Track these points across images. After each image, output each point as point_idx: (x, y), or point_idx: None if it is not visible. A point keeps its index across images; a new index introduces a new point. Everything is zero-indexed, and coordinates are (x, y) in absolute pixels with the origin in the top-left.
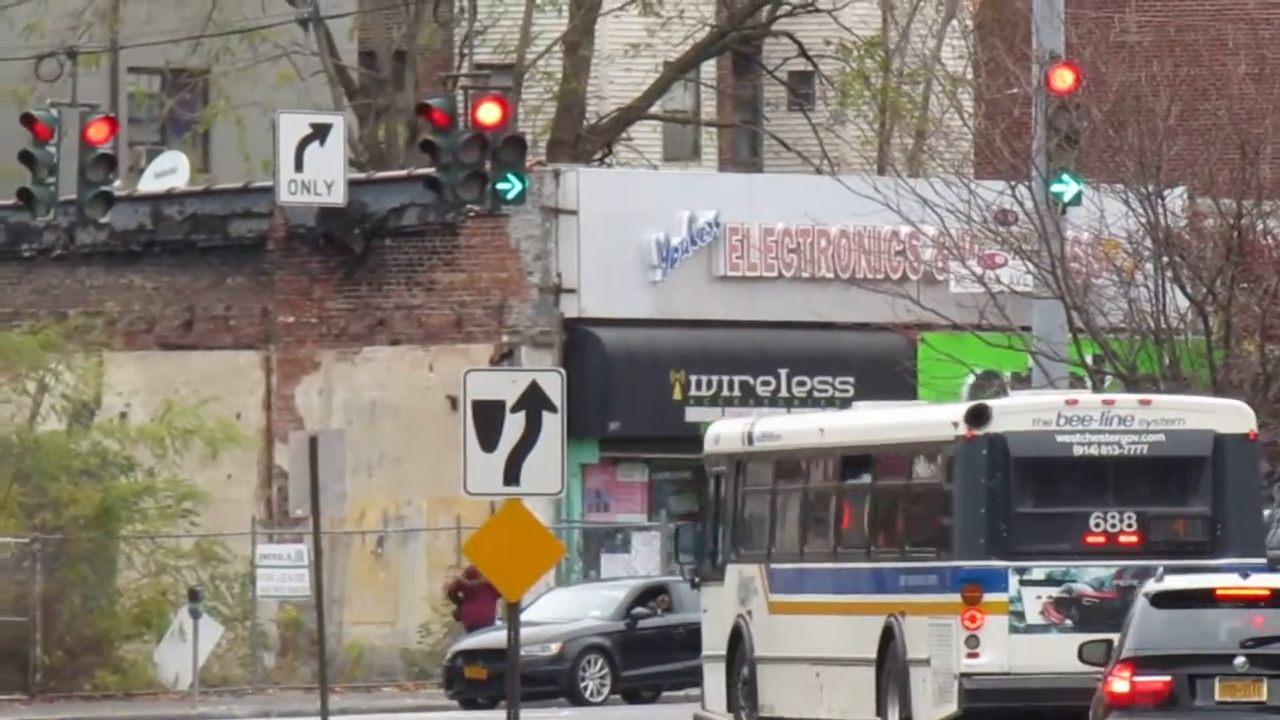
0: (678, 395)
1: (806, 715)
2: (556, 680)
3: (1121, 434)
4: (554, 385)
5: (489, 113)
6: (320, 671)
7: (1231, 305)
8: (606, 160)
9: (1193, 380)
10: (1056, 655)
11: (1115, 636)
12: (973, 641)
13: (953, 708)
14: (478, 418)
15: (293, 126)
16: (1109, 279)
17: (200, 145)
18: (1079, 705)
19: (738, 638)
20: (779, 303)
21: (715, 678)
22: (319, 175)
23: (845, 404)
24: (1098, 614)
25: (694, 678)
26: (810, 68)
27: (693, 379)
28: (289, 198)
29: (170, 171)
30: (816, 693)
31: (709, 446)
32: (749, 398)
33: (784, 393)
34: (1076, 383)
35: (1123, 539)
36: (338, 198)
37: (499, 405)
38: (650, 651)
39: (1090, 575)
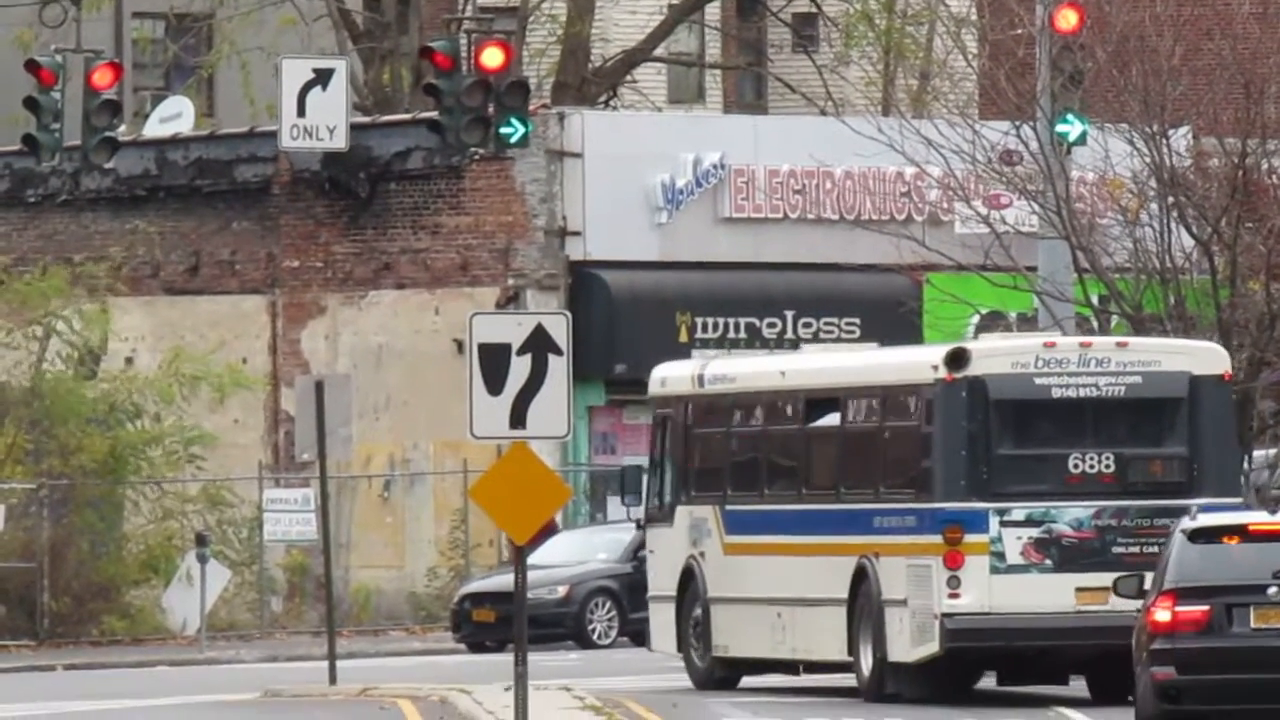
0: (684, 337)
1: (765, 655)
2: (564, 623)
3: (1099, 376)
4: (560, 328)
5: (492, 57)
6: (328, 615)
7: (1237, 244)
8: (611, 103)
9: (1198, 319)
10: (1036, 595)
11: (1147, 573)
12: (954, 582)
13: (934, 647)
14: (483, 361)
15: (295, 71)
16: (1114, 219)
17: (205, 90)
18: (1058, 644)
19: (689, 578)
20: (784, 244)
21: (664, 617)
22: (321, 120)
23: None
24: (1077, 554)
25: None
26: (814, 9)
27: (699, 321)
28: (291, 143)
29: (175, 116)
30: (779, 633)
31: (654, 389)
32: (755, 339)
33: (790, 334)
34: (1083, 323)
35: (1101, 480)
36: (340, 143)
37: (505, 348)
38: None
39: (1069, 516)
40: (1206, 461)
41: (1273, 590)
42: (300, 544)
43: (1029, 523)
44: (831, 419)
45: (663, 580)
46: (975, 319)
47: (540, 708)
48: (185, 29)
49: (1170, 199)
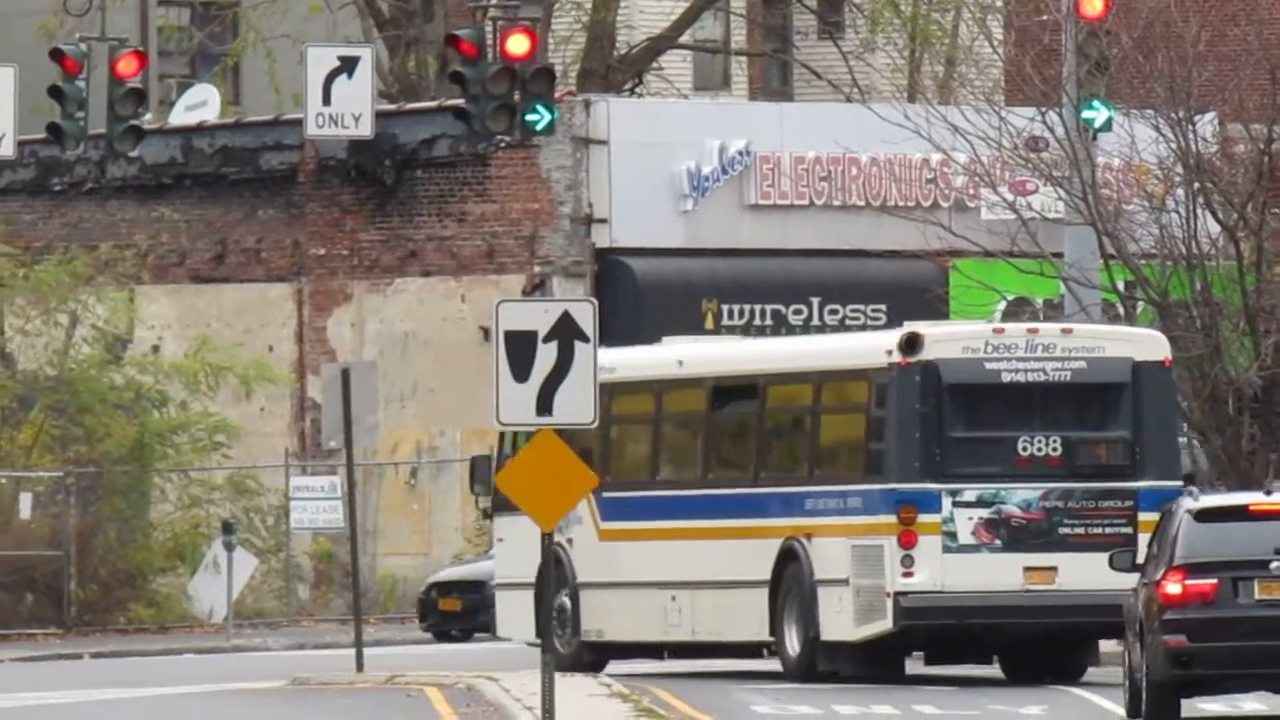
0: (710, 324)
1: (655, 638)
2: None
3: (1046, 361)
4: (586, 315)
5: (518, 44)
6: (354, 603)
7: (1263, 230)
8: (637, 90)
9: (1224, 305)
10: (987, 574)
11: (1134, 548)
12: (908, 561)
13: (887, 624)
14: (510, 348)
15: (321, 59)
16: (1140, 205)
17: (230, 78)
18: (1009, 622)
19: (554, 565)
20: (810, 231)
21: (516, 605)
22: (347, 108)
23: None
24: (1025, 534)
25: None
26: None
27: (725, 308)
28: (317, 131)
29: (201, 104)
30: (674, 616)
31: None
32: (781, 326)
33: (816, 321)
34: (1109, 309)
35: (1049, 462)
36: (365, 130)
37: (531, 336)
38: None
39: (1018, 497)
40: (1149, 445)
41: (1275, 565)
42: (327, 532)
43: (980, 503)
44: (744, 406)
45: (518, 568)
46: (1001, 305)
47: (567, 693)
48: (210, 16)
49: (1196, 185)
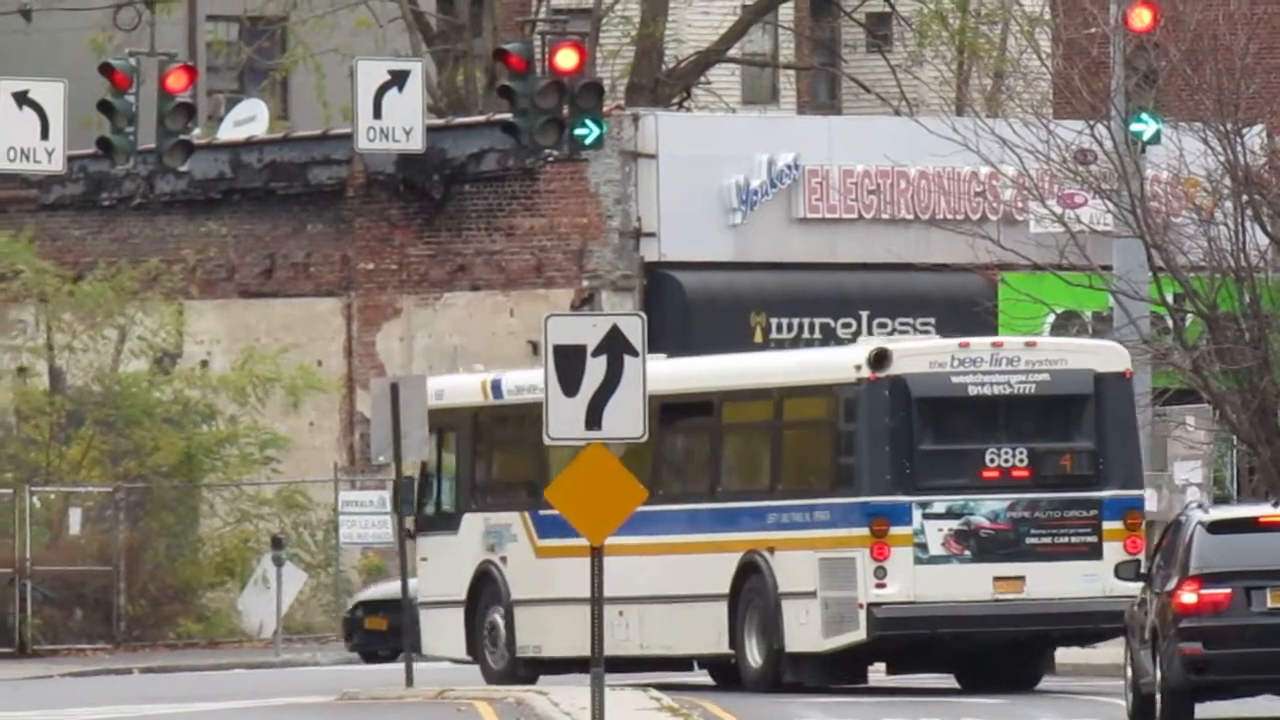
0: (759, 338)
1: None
2: None
3: (1010, 374)
4: (635, 329)
5: (566, 58)
6: (404, 617)
7: None
8: (685, 104)
9: (1273, 317)
10: (958, 585)
11: (1139, 557)
12: (880, 572)
13: (859, 635)
14: (559, 363)
15: (371, 73)
16: (1189, 217)
17: (279, 93)
18: (979, 632)
19: (485, 583)
20: (859, 244)
21: (445, 623)
22: (397, 122)
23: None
24: (994, 544)
25: None
26: (888, 9)
27: (773, 322)
28: (367, 145)
29: (249, 119)
30: (621, 630)
31: (430, 402)
32: (829, 340)
33: (864, 334)
34: (1158, 321)
35: (1015, 473)
36: (416, 144)
37: (580, 350)
38: None
39: (987, 508)
40: (1112, 455)
41: None
42: (376, 546)
43: (949, 515)
44: (701, 422)
45: (446, 586)
46: (1050, 318)
47: (617, 707)
48: (259, 31)
49: (1245, 197)
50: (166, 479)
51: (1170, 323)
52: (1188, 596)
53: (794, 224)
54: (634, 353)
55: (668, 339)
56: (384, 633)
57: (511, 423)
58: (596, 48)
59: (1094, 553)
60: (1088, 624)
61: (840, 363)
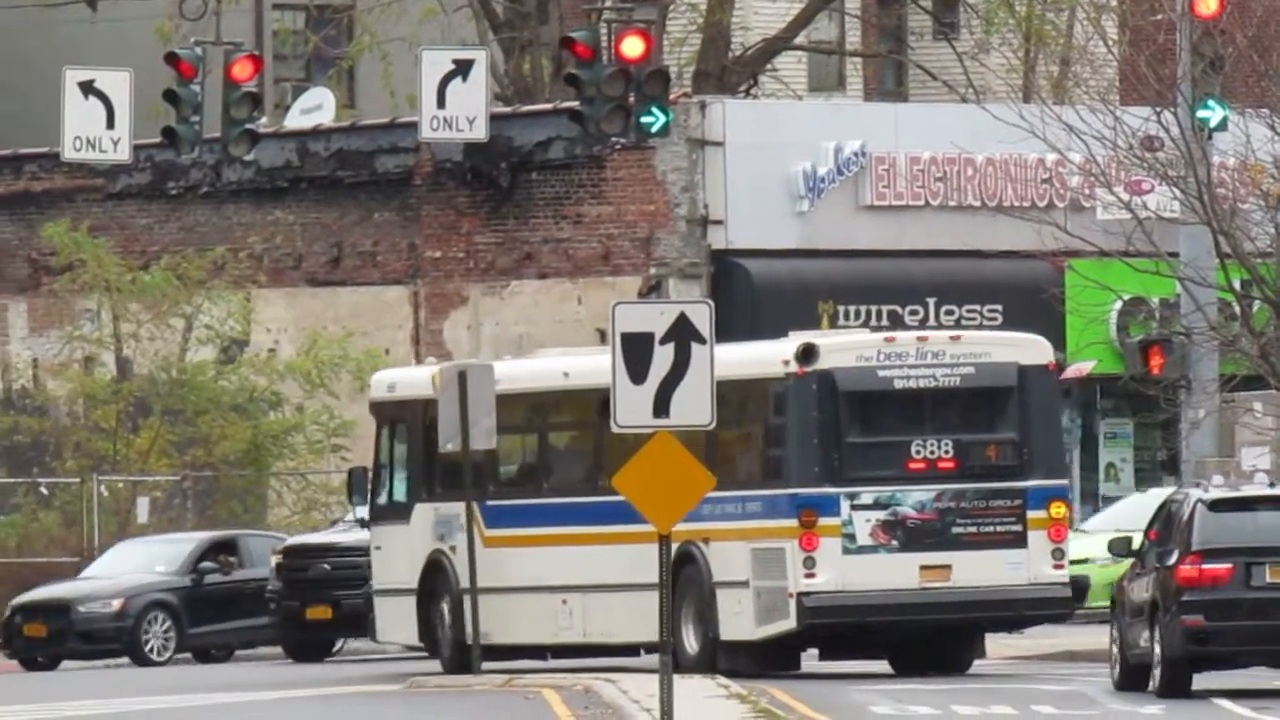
0: (825, 325)
1: (545, 640)
2: (119, 638)
3: (935, 367)
4: (703, 317)
5: (632, 46)
6: (472, 604)
7: None
8: (752, 92)
9: None
10: (885, 573)
11: (1134, 534)
12: (810, 562)
13: (790, 624)
14: (626, 350)
15: (435, 63)
16: (1255, 203)
17: (345, 81)
18: (906, 620)
19: (436, 572)
20: (926, 232)
21: (396, 610)
22: (461, 111)
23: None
24: (920, 534)
25: (265, 633)
26: None
27: (840, 309)
28: (431, 134)
29: (316, 108)
30: (565, 618)
31: (380, 394)
32: (897, 327)
33: (932, 321)
34: (1225, 308)
35: (941, 464)
36: (479, 133)
37: (648, 337)
38: (218, 608)
39: (913, 499)
40: (1036, 445)
41: None
42: None
43: (876, 506)
44: None
45: (397, 575)
46: (1117, 305)
47: (685, 695)
48: (325, 20)
49: None
50: (234, 467)
51: (1237, 309)
52: (1189, 571)
53: (861, 211)
54: (701, 340)
55: (735, 326)
56: (44, 639)
57: None
58: (663, 35)
59: (1019, 541)
60: (1013, 611)
61: (769, 357)
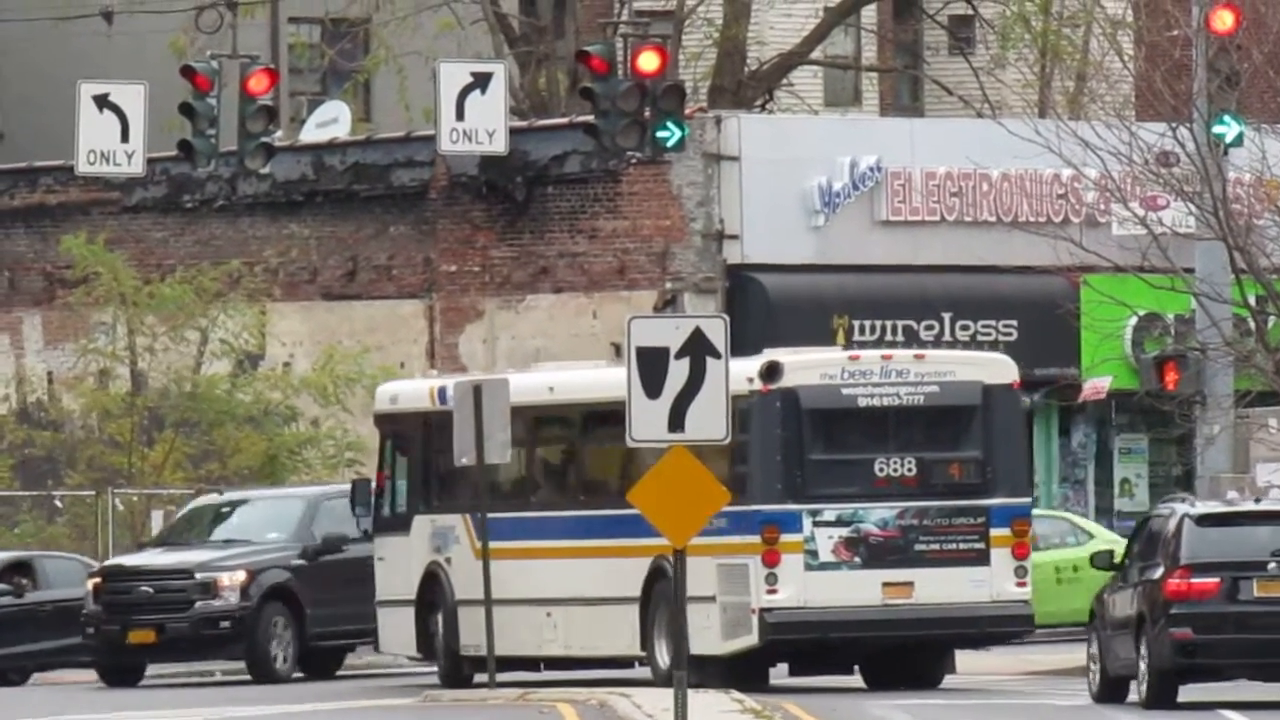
0: (841, 340)
1: (531, 653)
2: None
3: (900, 386)
4: (718, 331)
5: (648, 61)
6: (487, 619)
7: None
8: (767, 106)
9: None
10: (847, 590)
11: (1115, 547)
12: (772, 579)
13: (753, 639)
14: (641, 364)
15: (453, 75)
16: (1271, 219)
17: (361, 95)
18: (868, 636)
19: (432, 584)
20: (941, 247)
21: (398, 622)
22: (480, 124)
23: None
24: (883, 551)
25: (64, 657)
26: (970, 11)
27: (856, 324)
28: (450, 147)
29: (332, 121)
30: (550, 631)
31: (383, 406)
32: (912, 342)
33: (947, 336)
34: (1240, 324)
35: (904, 482)
36: (499, 146)
37: (663, 352)
38: (13, 631)
39: (876, 516)
40: (999, 464)
41: (1272, 566)
42: None
43: (839, 523)
44: (616, 430)
45: (398, 586)
46: (1133, 321)
47: (700, 710)
48: (341, 34)
49: None
50: (248, 481)
51: (1252, 325)
52: (1178, 585)
53: (876, 226)
54: (717, 355)
55: (750, 341)
56: None
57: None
58: (679, 50)
59: (981, 559)
60: (975, 628)
61: (735, 374)
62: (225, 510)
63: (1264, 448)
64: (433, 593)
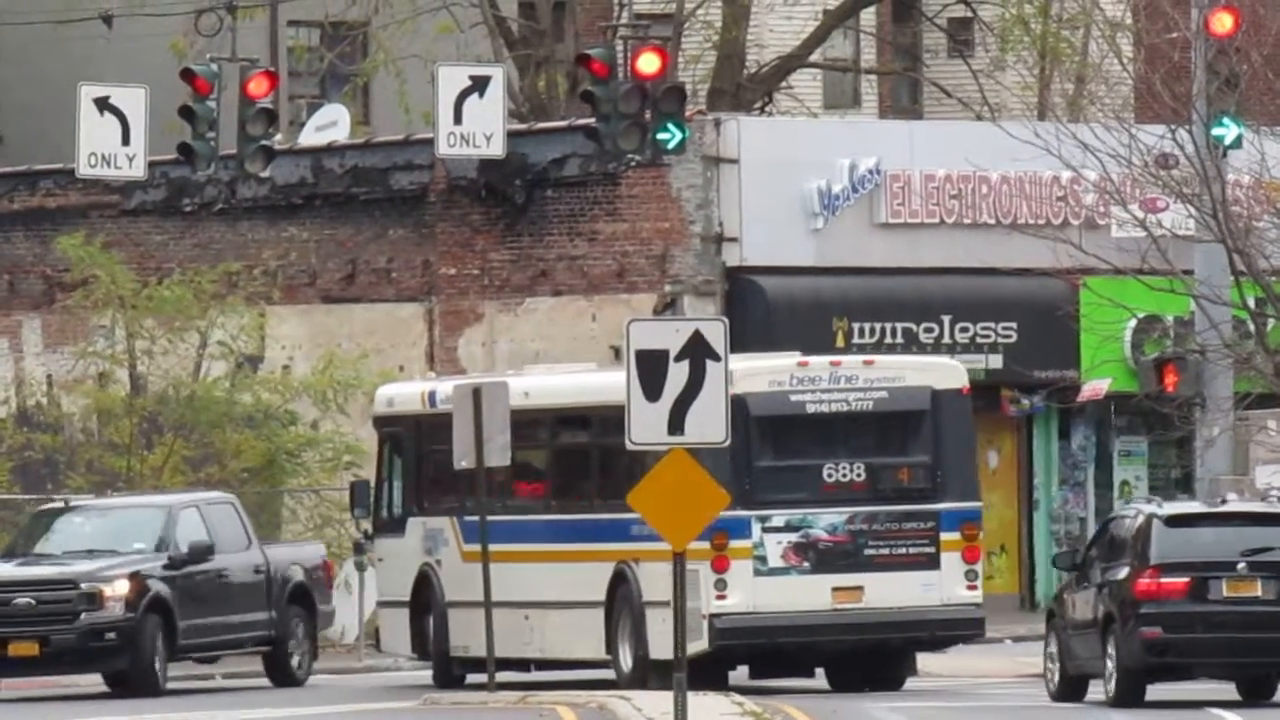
0: (841, 343)
1: (511, 654)
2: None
3: (848, 392)
4: (717, 334)
5: (648, 63)
6: (486, 622)
7: None
8: (767, 109)
9: None
10: (797, 595)
11: (1079, 547)
12: (721, 584)
13: (703, 644)
14: (641, 367)
15: (452, 79)
16: (1271, 221)
17: (360, 98)
18: (818, 640)
19: (425, 585)
20: (941, 249)
21: (396, 622)
22: (478, 127)
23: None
24: (832, 556)
25: None
26: (970, 13)
27: (855, 326)
28: (448, 150)
29: (331, 125)
30: (526, 634)
31: (380, 408)
32: (912, 344)
33: (947, 339)
34: (1240, 326)
35: (853, 487)
36: (497, 149)
37: (662, 354)
38: None
39: (825, 521)
40: (948, 468)
41: (1242, 566)
42: None
43: (788, 528)
44: (583, 435)
45: (394, 587)
46: (1132, 323)
47: (700, 713)
48: (340, 37)
49: None
50: (248, 484)
51: (1252, 327)
52: (1148, 584)
53: (876, 229)
54: (716, 357)
55: (750, 344)
56: None
57: (444, 431)
58: (678, 52)
59: (931, 563)
60: (925, 631)
61: None
62: (79, 520)
63: (1264, 450)
64: (425, 594)
